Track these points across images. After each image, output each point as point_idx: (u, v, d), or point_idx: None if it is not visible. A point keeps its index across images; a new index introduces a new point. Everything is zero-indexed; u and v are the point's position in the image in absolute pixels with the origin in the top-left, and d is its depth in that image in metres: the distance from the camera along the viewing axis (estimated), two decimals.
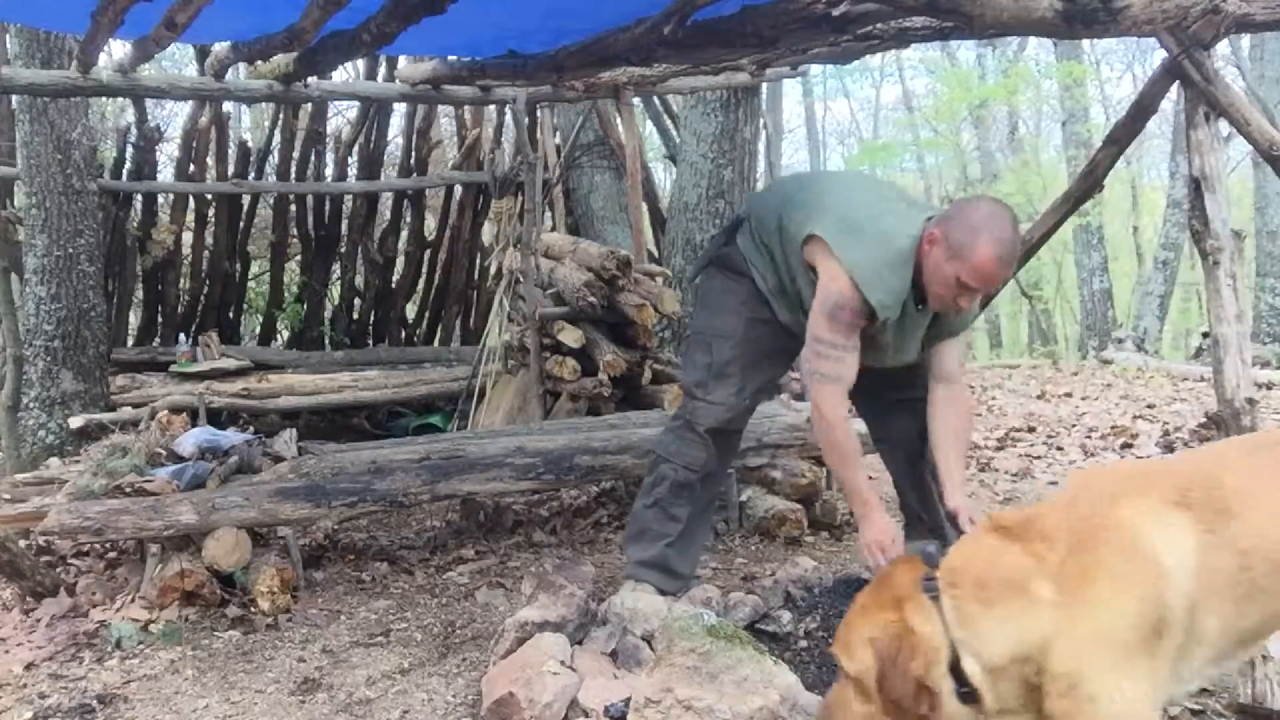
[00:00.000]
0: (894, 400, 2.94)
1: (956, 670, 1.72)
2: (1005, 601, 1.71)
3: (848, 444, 2.61)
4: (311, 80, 4.71)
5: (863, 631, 1.81)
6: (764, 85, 6.43)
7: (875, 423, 3.14)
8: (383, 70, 6.03)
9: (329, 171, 6.88)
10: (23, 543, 3.48)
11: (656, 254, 6.81)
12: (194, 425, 4.51)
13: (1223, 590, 1.66)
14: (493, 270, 6.71)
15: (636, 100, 6.33)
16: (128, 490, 3.48)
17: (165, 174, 6.81)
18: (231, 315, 7.05)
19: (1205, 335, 8.96)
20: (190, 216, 6.73)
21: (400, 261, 7.47)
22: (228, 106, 7.06)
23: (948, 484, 2.62)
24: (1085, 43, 13.97)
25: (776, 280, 2.82)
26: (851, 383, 2.62)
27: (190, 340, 6.37)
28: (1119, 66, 21.47)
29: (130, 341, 6.69)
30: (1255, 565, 1.67)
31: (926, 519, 3.05)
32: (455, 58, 4.69)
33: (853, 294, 2.51)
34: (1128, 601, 1.63)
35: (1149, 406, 6.96)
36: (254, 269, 7.83)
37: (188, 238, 6.86)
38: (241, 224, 6.87)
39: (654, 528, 2.99)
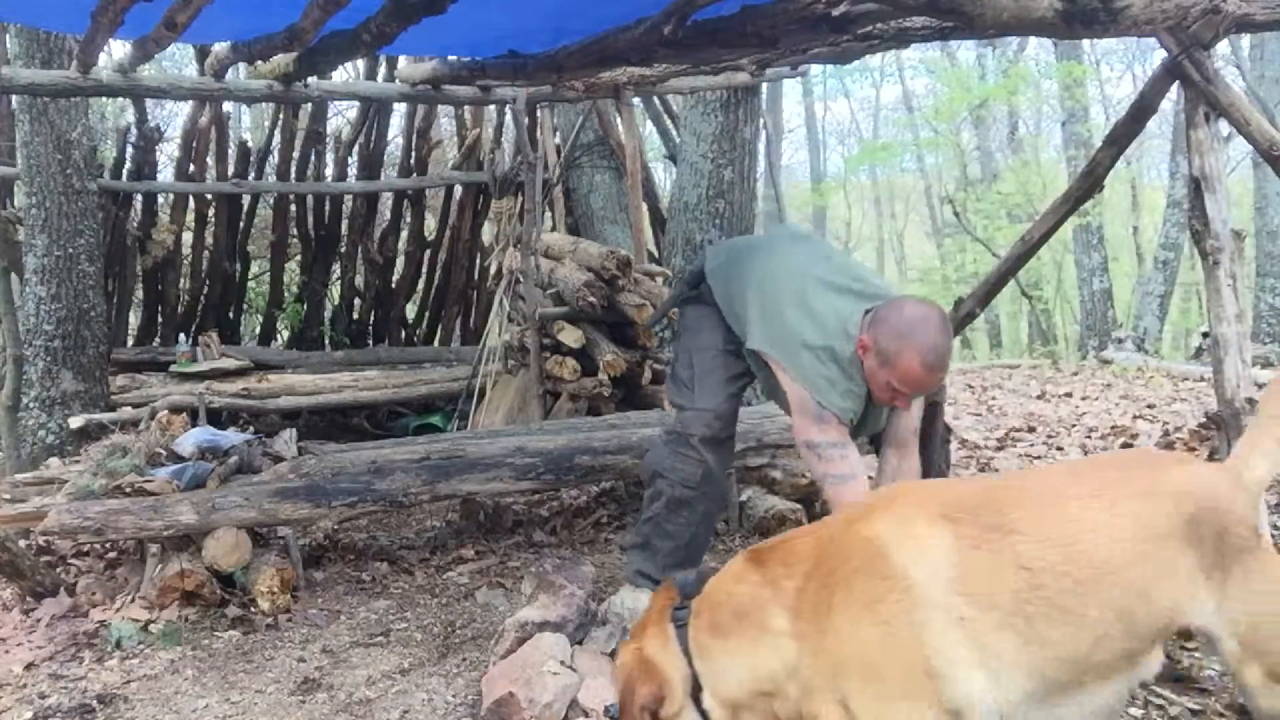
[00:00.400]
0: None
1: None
2: (736, 634, 1.65)
3: None
4: (311, 80, 4.71)
5: (620, 657, 1.81)
6: (764, 85, 6.43)
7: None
8: (383, 70, 6.03)
9: (329, 171, 6.88)
10: (23, 543, 3.48)
11: (656, 254, 6.81)
12: (194, 425, 4.51)
13: (1007, 606, 1.56)
14: (493, 270, 6.72)
15: (636, 100, 6.32)
16: (128, 490, 3.48)
17: (165, 174, 6.81)
18: (231, 315, 7.05)
19: (1205, 335, 8.96)
20: (190, 216, 6.73)
21: (400, 261, 7.47)
22: (228, 106, 7.07)
23: None
24: (1085, 43, 13.97)
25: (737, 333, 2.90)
26: (865, 472, 2.58)
27: (190, 340, 6.37)
28: (1119, 66, 21.49)
29: (130, 341, 6.69)
30: (1047, 583, 1.57)
31: None
32: (455, 58, 4.69)
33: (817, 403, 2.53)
34: (873, 625, 1.54)
35: (1149, 406, 6.96)
36: (254, 269, 7.83)
37: (188, 238, 6.87)
38: (241, 224, 6.87)
39: (654, 542, 2.99)
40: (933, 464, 3.00)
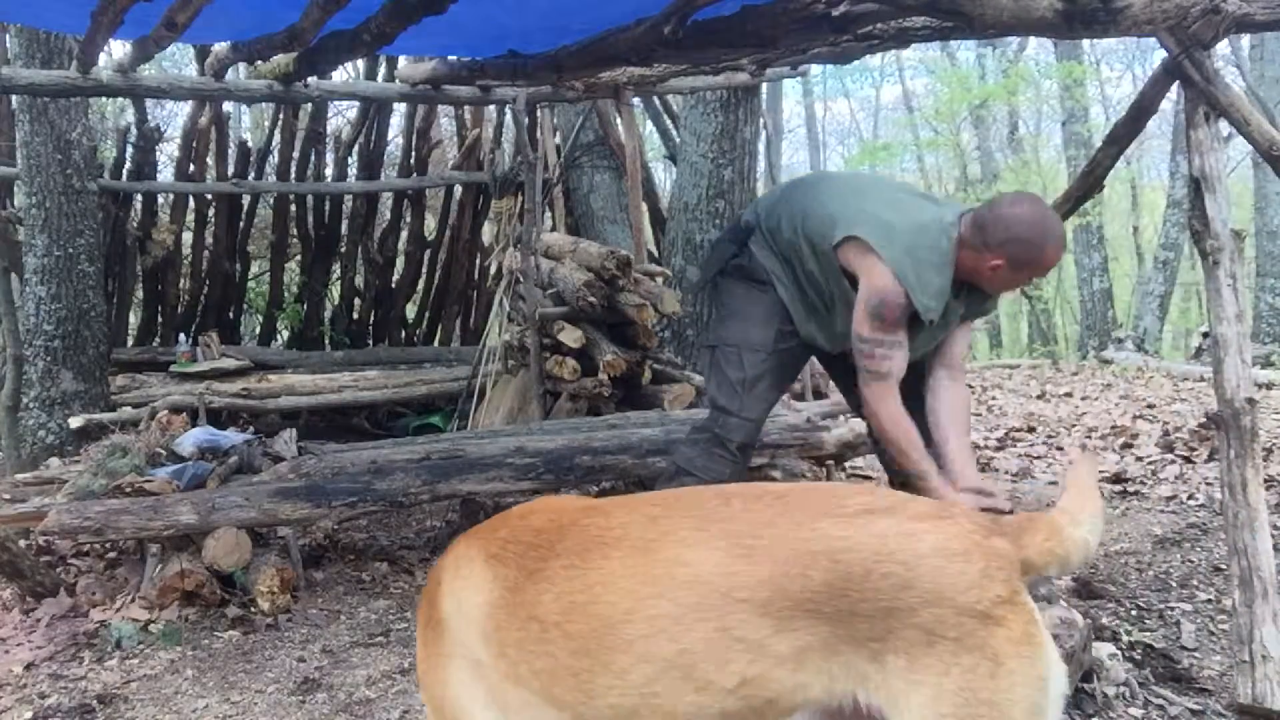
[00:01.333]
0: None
1: None
2: None
3: (905, 435, 2.59)
4: (311, 80, 4.71)
5: None
6: (764, 85, 6.43)
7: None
8: (383, 70, 6.03)
9: (329, 171, 6.88)
10: (23, 543, 3.48)
11: (656, 254, 6.81)
12: (194, 425, 4.51)
13: (515, 658, 1.44)
14: (493, 270, 6.71)
15: (636, 100, 6.32)
16: (128, 490, 3.48)
17: (165, 174, 6.81)
18: (231, 315, 7.05)
19: (1205, 335, 8.96)
20: (190, 216, 6.73)
21: (400, 261, 7.47)
22: (228, 106, 7.07)
23: (962, 465, 2.60)
24: (1085, 43, 13.97)
25: (798, 289, 2.81)
26: (900, 375, 2.61)
27: (190, 340, 6.36)
28: (1119, 66, 21.49)
29: (130, 341, 6.69)
30: (555, 640, 1.40)
31: None
32: (455, 58, 4.69)
33: (899, 293, 2.52)
34: (420, 651, 1.58)
35: (1149, 406, 6.95)
36: (254, 269, 7.83)
37: (188, 238, 6.87)
38: (241, 224, 6.87)
39: None
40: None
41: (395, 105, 7.23)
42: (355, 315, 7.41)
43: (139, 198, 6.60)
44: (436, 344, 7.51)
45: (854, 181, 2.83)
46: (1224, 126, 2.62)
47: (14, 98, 5.57)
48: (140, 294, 6.93)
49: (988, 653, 1.31)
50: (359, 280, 7.29)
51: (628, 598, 1.38)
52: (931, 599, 1.31)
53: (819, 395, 5.51)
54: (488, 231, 7.22)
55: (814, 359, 3.12)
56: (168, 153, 8.36)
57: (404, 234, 7.39)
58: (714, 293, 3.06)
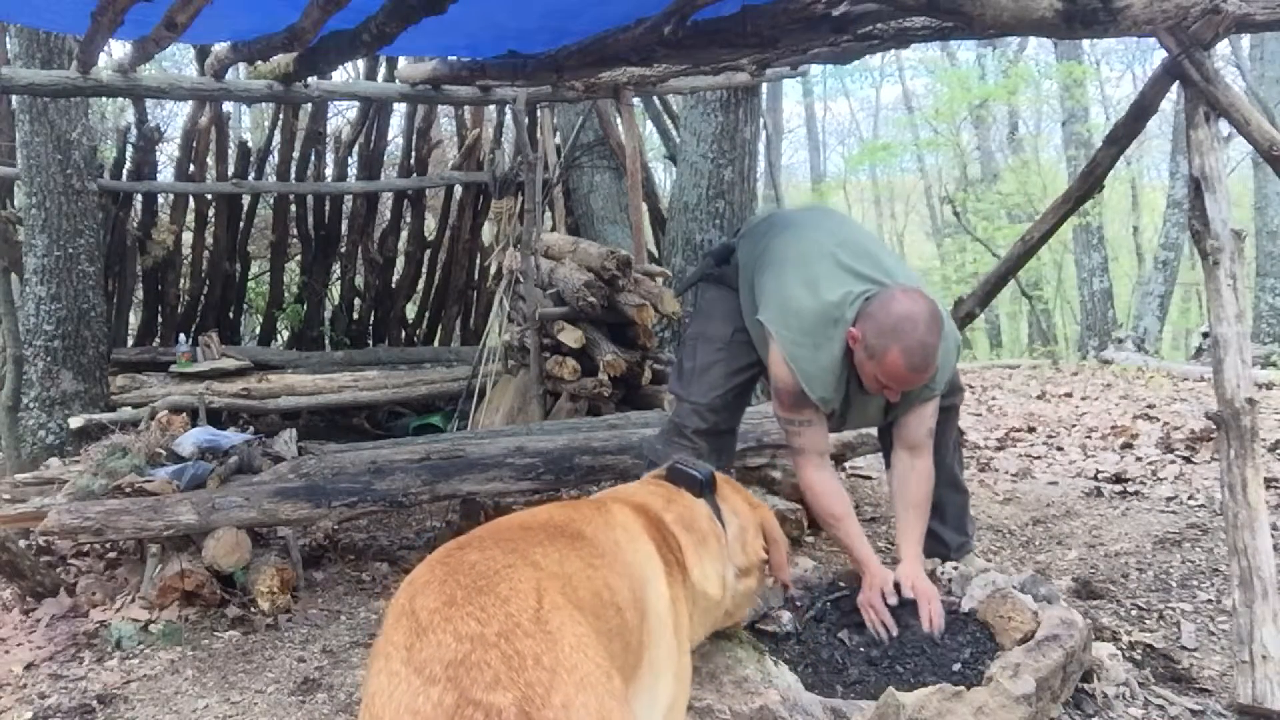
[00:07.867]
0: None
1: None
2: None
3: (835, 508, 2.62)
4: (311, 80, 4.71)
5: None
6: (764, 85, 6.43)
7: (883, 435, 3.14)
8: (383, 70, 6.03)
9: (329, 171, 6.89)
10: (23, 543, 3.48)
11: (656, 254, 6.81)
12: (194, 425, 4.51)
13: None
14: (493, 270, 6.72)
15: (636, 100, 6.32)
16: (128, 490, 3.48)
17: (165, 174, 6.81)
18: (231, 315, 7.05)
19: (1205, 335, 8.97)
20: (190, 216, 6.73)
21: (400, 261, 7.48)
22: (228, 106, 7.07)
23: (905, 551, 2.59)
24: (1085, 43, 13.98)
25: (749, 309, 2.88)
26: (826, 449, 2.66)
27: (190, 340, 6.37)
28: (1119, 66, 21.52)
29: (130, 341, 6.70)
30: None
31: (935, 531, 3.05)
32: (455, 58, 4.69)
33: (790, 380, 2.55)
34: None
35: (1149, 406, 6.96)
36: (254, 269, 7.84)
37: (188, 238, 6.87)
38: (241, 224, 6.88)
39: None
40: (945, 466, 3.00)
41: (395, 105, 7.24)
42: (355, 315, 7.41)
43: (139, 198, 6.60)
44: (436, 344, 7.52)
45: (802, 249, 2.72)
46: (1224, 126, 2.62)
47: (14, 98, 5.57)
48: (140, 294, 6.93)
49: None
50: (359, 280, 7.29)
51: None
52: None
53: None
54: (488, 231, 7.23)
55: None
56: (168, 153, 8.37)
57: (404, 234, 7.39)
58: (694, 300, 3.20)
